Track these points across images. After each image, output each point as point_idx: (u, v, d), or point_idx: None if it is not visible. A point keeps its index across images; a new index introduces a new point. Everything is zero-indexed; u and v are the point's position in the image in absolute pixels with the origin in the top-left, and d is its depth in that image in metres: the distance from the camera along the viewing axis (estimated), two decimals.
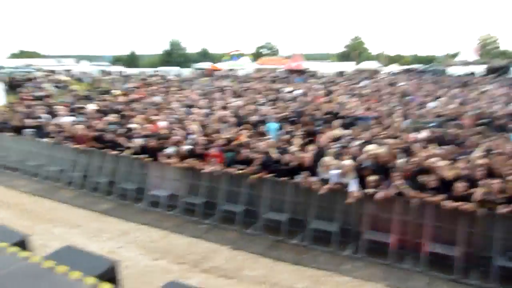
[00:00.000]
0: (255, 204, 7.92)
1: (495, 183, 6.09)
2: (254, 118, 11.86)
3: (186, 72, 42.97)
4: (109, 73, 36.21)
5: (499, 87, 23.20)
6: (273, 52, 73.54)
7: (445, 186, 6.46)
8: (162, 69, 43.59)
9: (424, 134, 9.61)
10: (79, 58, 47.46)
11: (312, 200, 7.25)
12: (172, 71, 41.17)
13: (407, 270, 6.25)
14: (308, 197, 7.32)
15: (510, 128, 10.46)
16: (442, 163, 6.79)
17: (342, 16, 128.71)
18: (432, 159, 6.98)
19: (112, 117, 12.04)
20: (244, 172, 7.89)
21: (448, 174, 6.58)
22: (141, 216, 8.45)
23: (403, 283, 5.91)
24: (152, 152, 9.07)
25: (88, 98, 19.49)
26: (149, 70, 42.38)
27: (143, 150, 9.24)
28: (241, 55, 49.05)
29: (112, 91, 21.83)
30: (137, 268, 6.30)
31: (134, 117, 12.02)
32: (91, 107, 14.48)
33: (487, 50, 63.61)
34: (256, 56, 59.95)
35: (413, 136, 9.32)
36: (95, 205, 9.06)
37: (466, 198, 6.19)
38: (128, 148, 9.50)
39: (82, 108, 14.43)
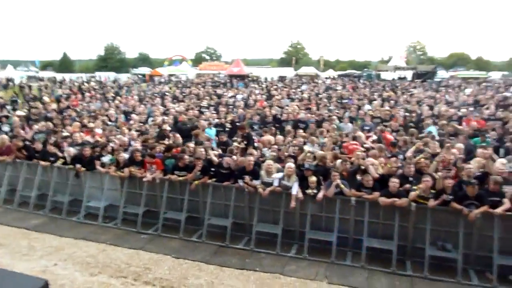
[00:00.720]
0: (198, 210, 7.78)
1: (427, 180, 6.50)
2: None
3: (124, 77, 41.48)
4: (39, 79, 33.89)
5: (425, 90, 25.07)
6: (215, 57, 73.48)
7: (381, 184, 6.80)
8: (98, 75, 41.70)
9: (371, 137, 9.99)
10: (3, 63, 43.95)
11: (256, 204, 7.26)
12: (108, 77, 39.50)
13: (349, 266, 6.46)
14: (251, 201, 7.32)
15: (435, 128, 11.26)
16: (375, 162, 7.13)
17: (282, 22, 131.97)
18: (367, 159, 7.31)
19: (41, 126, 11.20)
20: (185, 178, 7.71)
21: (380, 172, 6.92)
22: (76, 230, 7.93)
23: (345, 280, 6.09)
24: (87, 162, 8.57)
25: (14, 106, 18.07)
26: (84, 76, 40.33)
27: (78, 159, 8.70)
28: (182, 60, 48.42)
29: (43, 98, 20.43)
30: (74, 285, 5.90)
31: (67, 126, 11.30)
32: (18, 115, 13.39)
33: (416, 56, 68.51)
34: (197, 61, 59.52)
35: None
36: (23, 221, 8.35)
37: (400, 194, 6.55)
38: (60, 158, 8.90)
39: (7, 117, 13.29)
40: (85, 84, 30.41)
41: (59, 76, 39.35)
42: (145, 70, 46.51)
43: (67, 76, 39.16)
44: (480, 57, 69.82)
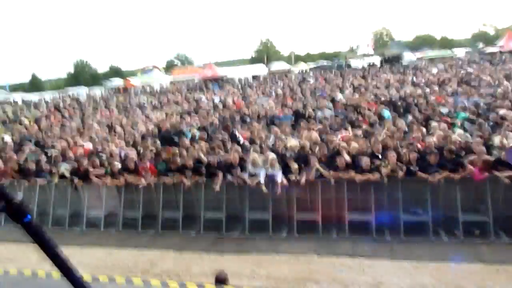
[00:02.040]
0: (193, 207, 8.40)
1: (392, 155, 7.33)
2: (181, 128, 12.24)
3: (97, 91, 41.29)
4: (12, 102, 33.54)
5: (394, 74, 26.21)
6: (186, 63, 73.55)
7: (355, 163, 7.60)
8: (70, 90, 41.37)
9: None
10: None
11: (246, 195, 7.94)
12: (80, 92, 39.21)
13: (334, 240, 7.24)
14: (241, 193, 8.01)
15: (404, 109, 12.19)
16: (347, 144, 7.95)
17: (249, 21, 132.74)
18: (340, 142, 8.12)
19: (29, 147, 11.55)
20: (179, 179, 8.32)
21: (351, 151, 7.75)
22: (81, 239, 8.44)
23: (332, 251, 6.87)
24: (83, 175, 9.07)
25: None
26: (55, 94, 39.90)
27: (73, 174, 9.19)
28: (154, 68, 48.49)
29: (23, 120, 20.51)
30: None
31: (53, 144, 11.68)
32: (6, 138, 13.65)
33: (382, 42, 70.29)
34: (169, 68, 59.58)
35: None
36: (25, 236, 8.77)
37: (372, 170, 7.35)
38: (55, 174, 9.35)
39: None
40: (61, 102, 30.36)
41: (31, 97, 38.90)
42: (118, 82, 46.41)
43: (41, 96, 38.77)
44: (445, 37, 72.20)
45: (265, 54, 62.71)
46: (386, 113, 11.40)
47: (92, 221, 8.93)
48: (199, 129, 12.08)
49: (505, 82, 15.15)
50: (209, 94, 24.26)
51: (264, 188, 7.68)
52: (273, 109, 13.94)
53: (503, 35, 39.01)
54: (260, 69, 44.54)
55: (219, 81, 36.16)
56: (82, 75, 68.55)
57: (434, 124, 9.17)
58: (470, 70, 22.51)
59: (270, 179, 7.79)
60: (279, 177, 7.72)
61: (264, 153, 8.50)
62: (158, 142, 10.36)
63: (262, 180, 7.72)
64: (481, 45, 50.49)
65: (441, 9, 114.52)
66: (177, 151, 9.01)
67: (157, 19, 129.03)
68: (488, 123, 8.93)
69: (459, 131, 8.51)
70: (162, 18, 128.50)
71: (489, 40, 54.68)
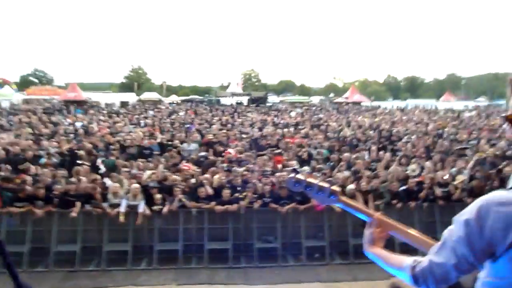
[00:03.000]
0: (43, 240, 7.72)
1: (250, 189, 8.09)
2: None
3: None
4: None
5: (258, 114, 28.48)
6: (45, 81, 66.85)
7: (216, 194, 8.11)
8: None
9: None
10: None
11: (105, 225, 7.68)
12: None
13: (194, 268, 7.50)
14: (100, 223, 7.72)
15: (264, 146, 13.44)
16: (209, 176, 8.48)
17: (121, 45, 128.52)
18: (204, 175, 8.60)
19: None
20: (28, 209, 7.60)
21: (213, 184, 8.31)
22: None
23: (191, 280, 7.10)
24: None
25: None
26: None
27: None
28: (4, 84, 42.83)
29: None
30: None
31: None
32: None
33: (251, 83, 75.54)
34: (23, 85, 53.35)
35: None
36: None
37: (232, 201, 7.95)
38: None
39: None
40: None
41: None
42: None
43: None
44: (303, 84, 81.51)
45: (136, 81, 61.22)
46: None
47: None
48: (53, 155, 11.19)
49: (345, 129, 17.95)
50: (70, 118, 22.55)
51: (122, 217, 7.57)
52: (140, 139, 13.79)
53: (348, 88, 46.33)
54: (129, 97, 43.21)
55: (83, 105, 33.86)
56: None
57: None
58: (321, 115, 25.94)
59: (132, 209, 7.73)
60: (141, 207, 7.72)
61: (125, 183, 8.41)
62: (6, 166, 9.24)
63: (123, 209, 7.60)
64: (332, 94, 58.39)
65: (302, 59, 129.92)
66: (28, 178, 8.25)
67: (15, 29, 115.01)
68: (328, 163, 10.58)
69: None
70: (22, 29, 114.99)
71: (338, 91, 63.85)
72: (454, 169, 9.39)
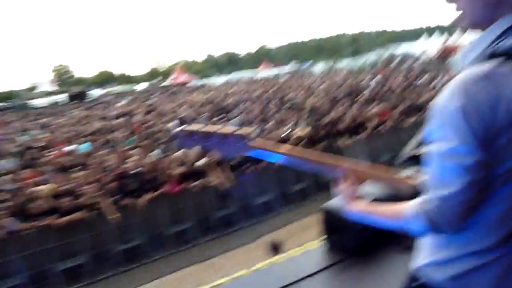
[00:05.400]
0: None
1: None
2: None
3: None
4: None
5: (83, 110, 25.70)
6: None
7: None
8: None
9: None
10: None
11: None
12: None
13: None
14: None
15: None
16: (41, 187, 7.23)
17: None
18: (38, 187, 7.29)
19: None
20: None
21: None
22: None
23: None
24: None
25: None
26: None
27: None
28: None
29: None
30: None
31: None
32: None
33: (64, 79, 67.67)
34: None
35: None
36: None
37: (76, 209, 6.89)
38: None
39: None
40: None
41: None
42: None
43: None
44: (123, 73, 77.28)
45: None
46: (84, 146, 11.16)
47: None
48: None
49: (179, 110, 17.57)
50: None
51: None
52: None
53: (172, 71, 45.99)
54: None
55: None
56: None
57: None
58: (151, 102, 25.08)
59: None
60: None
61: None
62: None
63: None
64: (157, 79, 56.83)
65: (115, 48, 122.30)
66: None
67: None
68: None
69: None
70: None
71: (163, 74, 62.69)
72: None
